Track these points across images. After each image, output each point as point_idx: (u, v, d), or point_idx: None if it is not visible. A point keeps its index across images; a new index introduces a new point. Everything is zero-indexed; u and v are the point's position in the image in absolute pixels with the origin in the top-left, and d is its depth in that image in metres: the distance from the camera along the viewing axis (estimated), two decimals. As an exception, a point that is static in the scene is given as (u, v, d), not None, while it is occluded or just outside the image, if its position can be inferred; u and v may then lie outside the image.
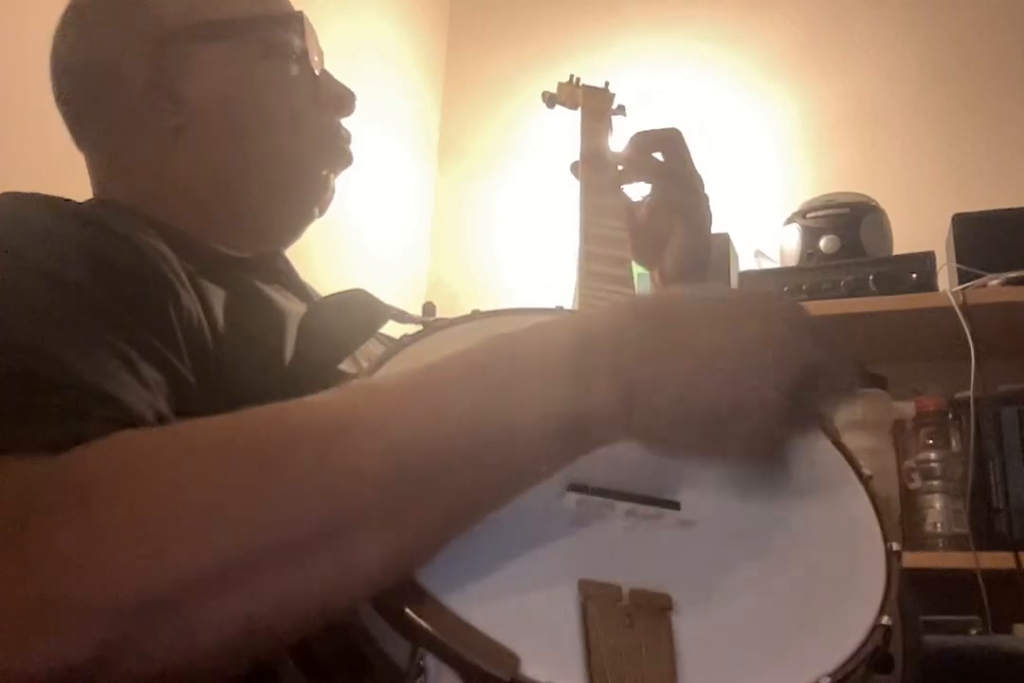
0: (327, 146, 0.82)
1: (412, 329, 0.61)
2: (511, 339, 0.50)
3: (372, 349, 0.76)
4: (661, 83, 2.13)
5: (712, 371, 0.49)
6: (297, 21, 0.81)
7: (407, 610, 0.43)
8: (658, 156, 0.85)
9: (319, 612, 0.44)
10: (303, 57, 0.81)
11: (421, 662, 0.42)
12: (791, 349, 0.50)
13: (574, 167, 0.88)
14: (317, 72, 0.82)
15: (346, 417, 0.46)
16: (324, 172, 0.82)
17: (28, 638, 0.40)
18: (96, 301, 0.55)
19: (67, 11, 0.81)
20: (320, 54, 0.83)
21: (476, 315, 0.63)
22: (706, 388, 0.49)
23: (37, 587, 0.40)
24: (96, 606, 0.40)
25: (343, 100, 0.83)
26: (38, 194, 0.62)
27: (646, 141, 0.85)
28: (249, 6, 0.80)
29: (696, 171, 0.84)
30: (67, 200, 0.63)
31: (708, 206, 0.84)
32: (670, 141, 0.84)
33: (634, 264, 0.78)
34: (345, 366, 0.68)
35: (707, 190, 0.85)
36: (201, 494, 0.42)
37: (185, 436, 0.46)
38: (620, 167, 0.87)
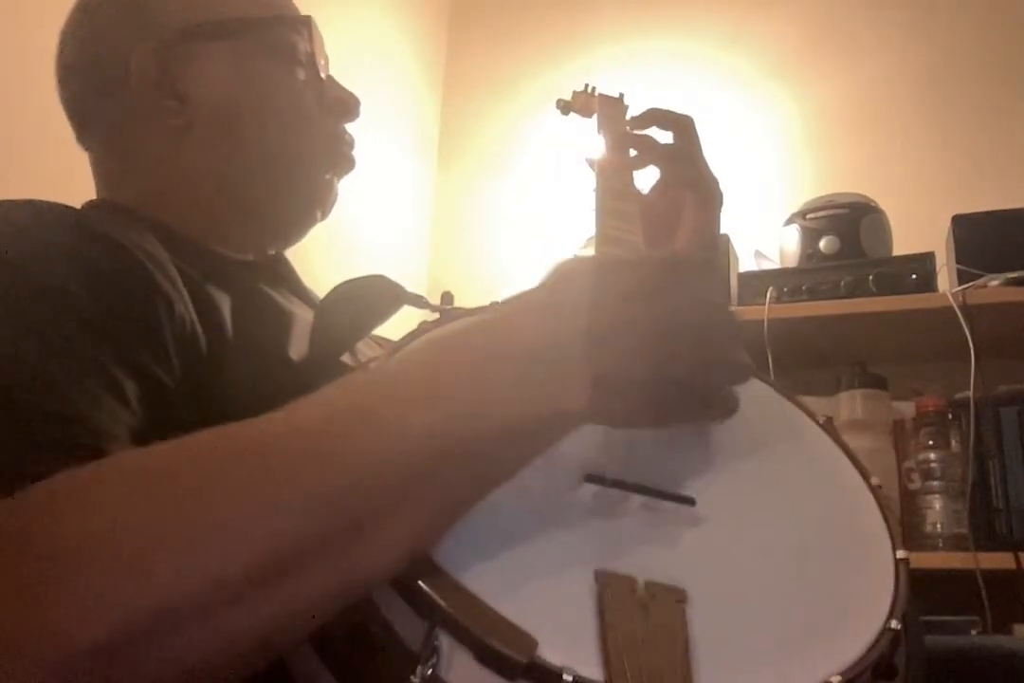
0: (331, 150, 0.82)
1: (429, 315, 0.61)
2: (461, 339, 0.50)
3: (366, 350, 0.76)
4: (661, 83, 2.13)
5: (677, 333, 0.48)
6: (304, 24, 0.81)
7: (426, 588, 0.43)
8: (668, 139, 0.85)
9: (268, 647, 0.43)
10: (310, 61, 0.81)
11: (436, 643, 0.42)
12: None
13: (589, 160, 0.88)
14: (323, 76, 0.82)
15: (284, 441, 0.44)
16: (327, 176, 0.82)
17: None
18: (82, 312, 0.54)
19: (74, 11, 0.81)
20: (326, 59, 0.83)
21: (495, 307, 0.63)
22: (674, 354, 0.48)
23: None
24: (36, 654, 0.38)
25: (348, 105, 0.83)
26: (34, 200, 0.61)
27: (658, 116, 0.85)
28: (257, 7, 0.80)
29: (705, 156, 0.84)
30: (63, 206, 0.62)
31: (718, 187, 0.83)
32: (683, 124, 0.84)
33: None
34: (345, 359, 0.68)
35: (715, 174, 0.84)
36: (136, 533, 0.41)
37: (122, 472, 0.44)
38: (633, 152, 0.86)
